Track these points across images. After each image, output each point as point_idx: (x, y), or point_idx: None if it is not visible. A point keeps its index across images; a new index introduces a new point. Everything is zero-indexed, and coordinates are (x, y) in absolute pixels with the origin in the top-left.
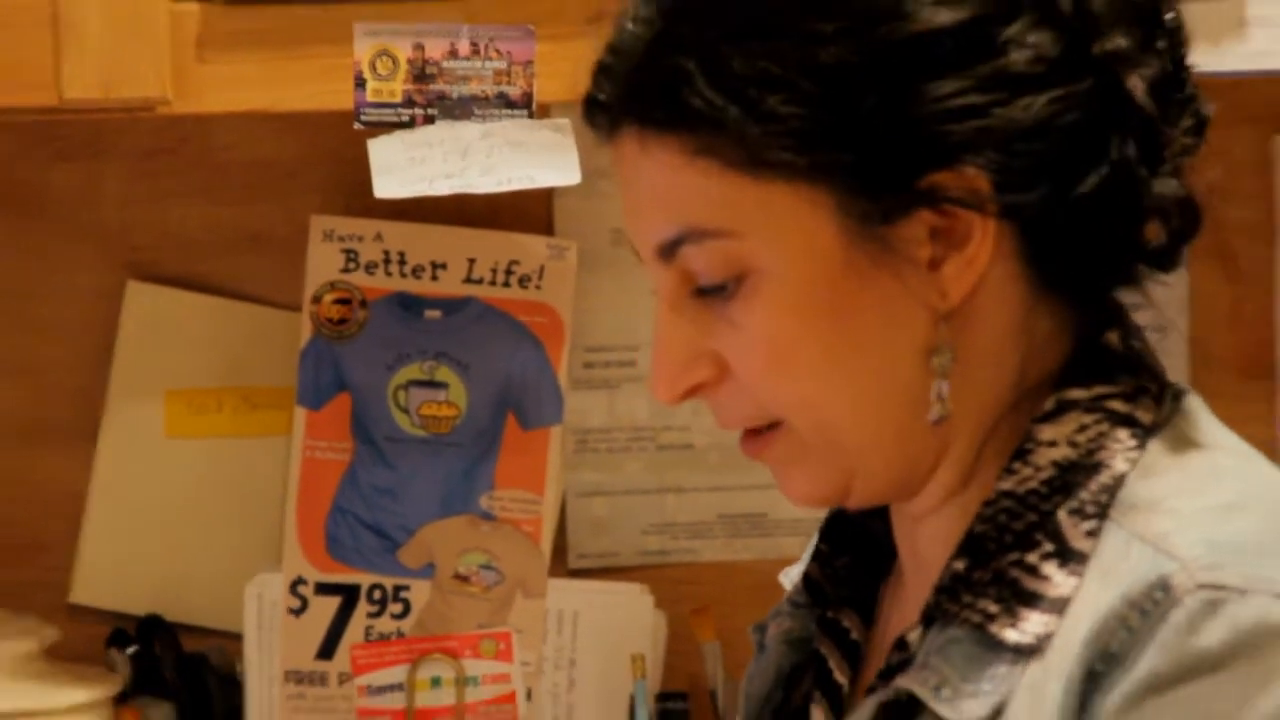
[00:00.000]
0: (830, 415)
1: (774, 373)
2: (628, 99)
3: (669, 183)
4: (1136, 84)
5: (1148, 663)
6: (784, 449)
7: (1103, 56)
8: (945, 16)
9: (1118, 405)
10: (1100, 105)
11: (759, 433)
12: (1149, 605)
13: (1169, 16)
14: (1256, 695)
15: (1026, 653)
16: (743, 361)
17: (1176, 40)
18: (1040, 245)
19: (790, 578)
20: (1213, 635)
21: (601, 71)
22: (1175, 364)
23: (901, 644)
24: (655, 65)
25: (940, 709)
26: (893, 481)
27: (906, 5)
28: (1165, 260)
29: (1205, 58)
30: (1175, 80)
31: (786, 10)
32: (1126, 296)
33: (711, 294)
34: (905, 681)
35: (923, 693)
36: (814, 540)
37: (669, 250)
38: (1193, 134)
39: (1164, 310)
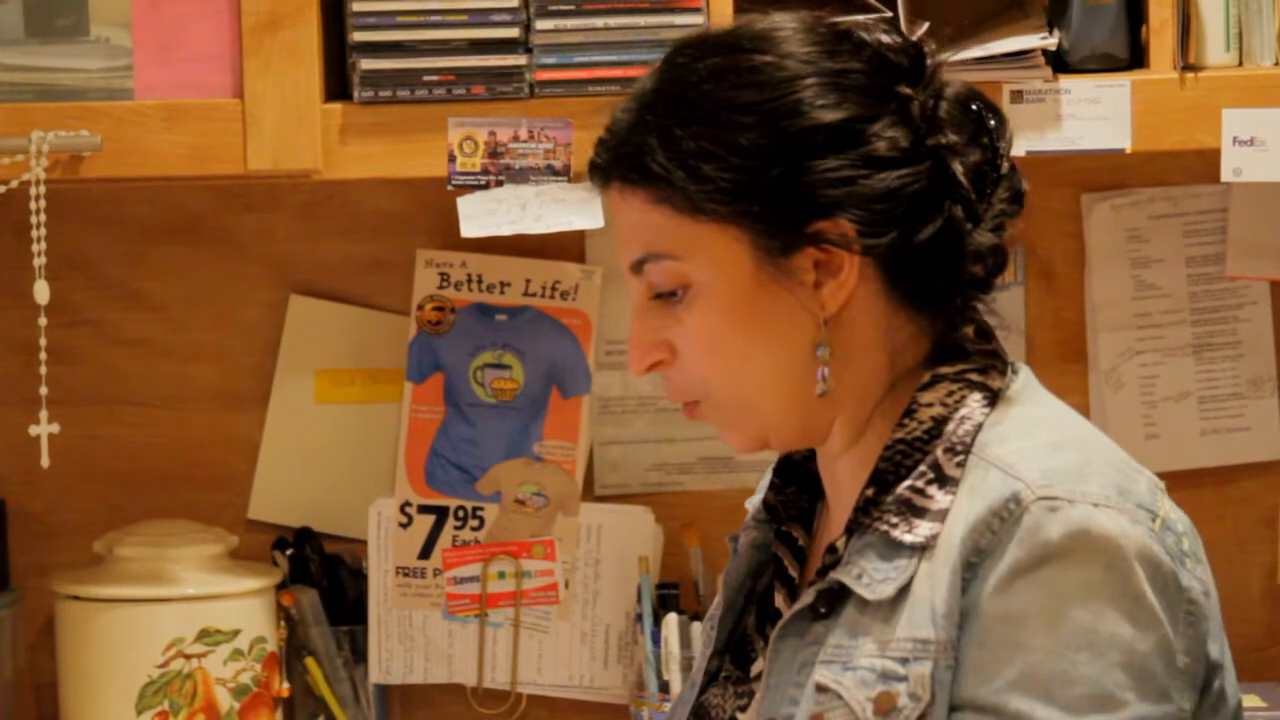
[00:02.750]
0: (745, 388)
1: (706, 356)
2: (614, 164)
3: (638, 221)
4: (959, 168)
5: (1010, 555)
6: (713, 414)
7: (937, 148)
8: (829, 116)
9: (974, 376)
10: (935, 180)
11: (691, 406)
12: (1005, 513)
13: (992, 122)
14: (1088, 573)
15: (920, 549)
16: (685, 347)
17: (997, 138)
18: (894, 274)
19: (752, 502)
20: (1053, 531)
21: (599, 144)
22: (1015, 353)
23: (832, 549)
24: (631, 141)
25: (861, 592)
26: (796, 435)
27: (802, 106)
28: (984, 287)
29: (1032, 143)
30: (993, 165)
31: (720, 107)
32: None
33: (665, 298)
34: (836, 574)
35: (848, 581)
36: (768, 476)
37: (638, 266)
38: (1011, 202)
39: (1006, 316)
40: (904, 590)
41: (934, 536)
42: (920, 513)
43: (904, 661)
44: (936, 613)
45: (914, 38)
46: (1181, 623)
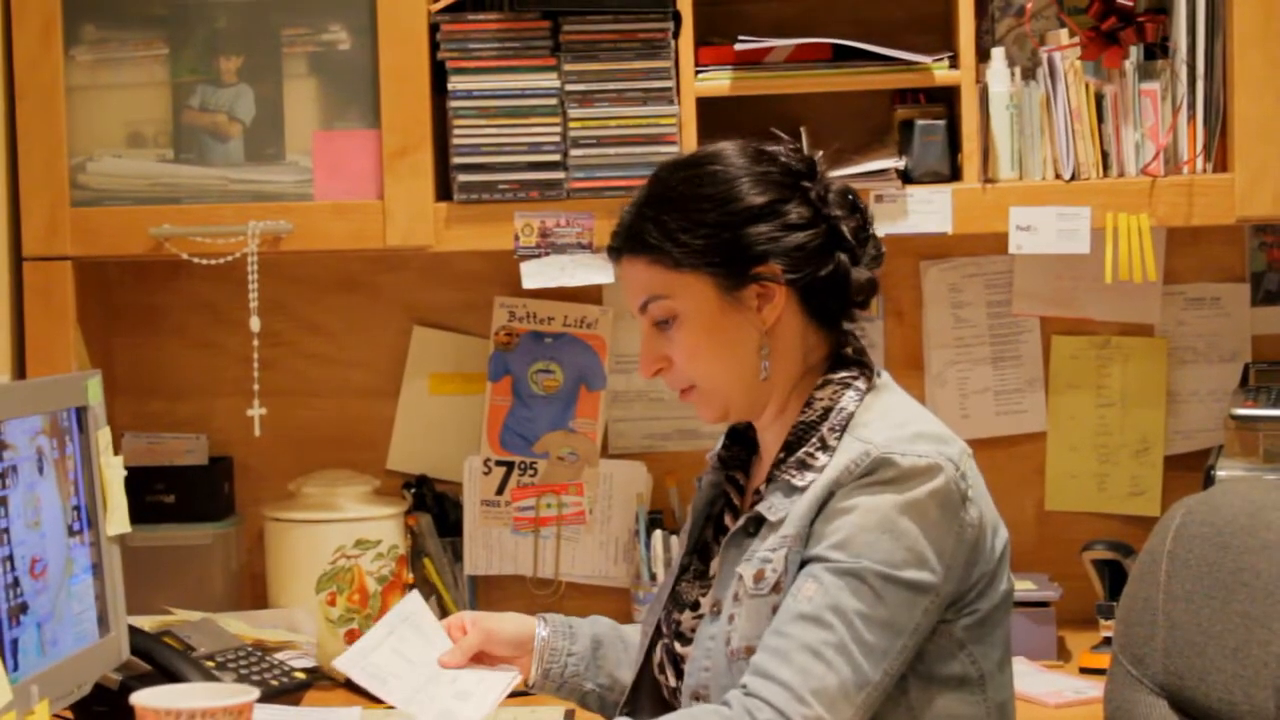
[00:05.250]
0: (715, 379)
1: (691, 360)
2: (625, 243)
3: (642, 276)
4: (845, 229)
5: (855, 480)
6: (695, 398)
7: (829, 216)
8: (759, 199)
9: (850, 380)
10: (829, 238)
11: (685, 392)
12: (858, 463)
13: (861, 205)
14: (902, 494)
15: (803, 490)
16: (678, 356)
17: (865, 215)
18: (806, 299)
19: (711, 455)
20: (889, 473)
21: (614, 234)
22: (878, 363)
23: (757, 492)
24: (635, 227)
25: (769, 516)
26: (746, 411)
27: (741, 194)
28: (862, 306)
29: (888, 227)
30: (864, 228)
31: (689, 199)
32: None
33: (661, 326)
34: (758, 508)
35: (764, 511)
36: (721, 440)
37: (644, 306)
38: (876, 255)
39: (873, 338)
40: (788, 514)
41: (812, 482)
42: (808, 468)
43: (774, 550)
44: (797, 519)
45: (812, 156)
46: (952, 537)
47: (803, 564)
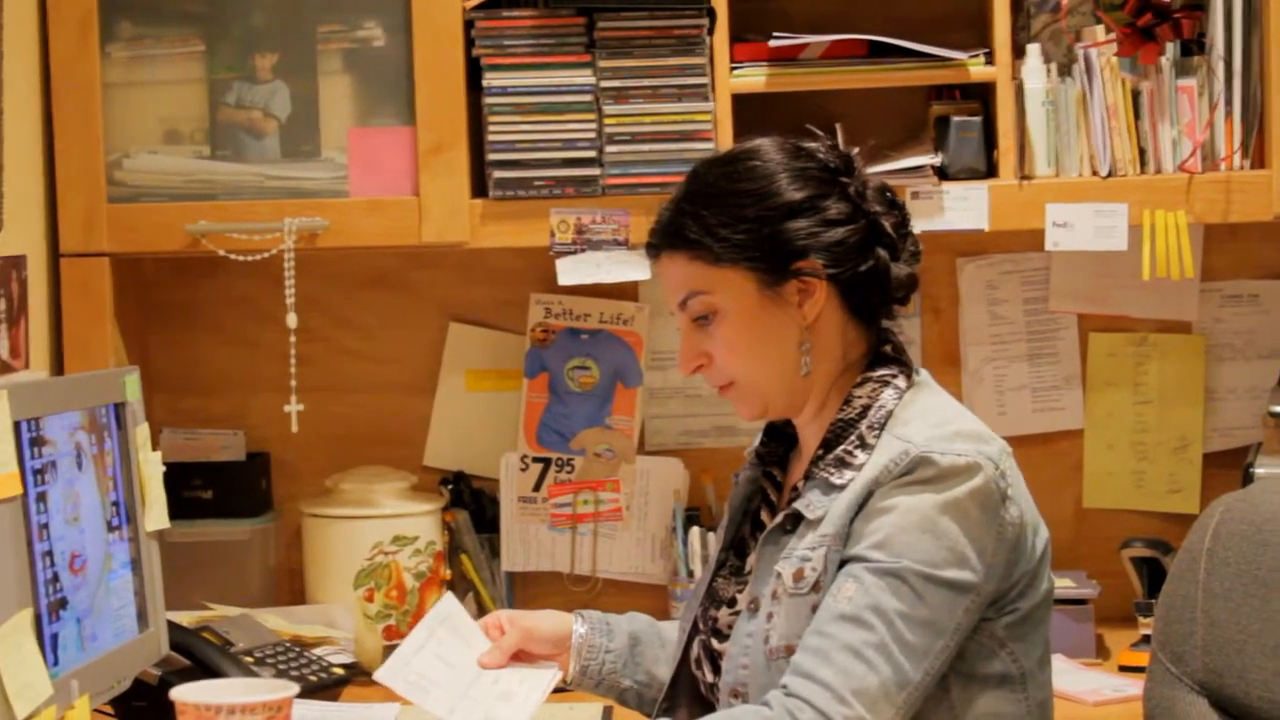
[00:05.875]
0: (756, 375)
1: (731, 356)
2: (664, 240)
3: (682, 272)
4: (884, 225)
5: (896, 479)
6: (734, 394)
7: (869, 212)
8: (799, 194)
9: (890, 378)
10: (868, 234)
11: (724, 388)
12: (898, 462)
13: (899, 201)
14: (942, 494)
15: (842, 488)
16: (717, 352)
17: (904, 212)
18: (847, 295)
19: (749, 451)
20: (928, 472)
21: (652, 231)
22: (916, 361)
23: (795, 489)
24: (675, 223)
25: (807, 514)
26: (785, 408)
27: (780, 187)
28: (902, 302)
29: (924, 225)
30: (904, 227)
31: (728, 194)
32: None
33: (701, 322)
34: (795, 505)
35: (801, 509)
36: (759, 437)
37: (683, 303)
38: (915, 252)
39: (909, 334)
40: (827, 512)
41: (851, 480)
42: (847, 466)
43: (813, 549)
44: (837, 519)
45: (849, 152)
46: (993, 536)
47: (842, 563)
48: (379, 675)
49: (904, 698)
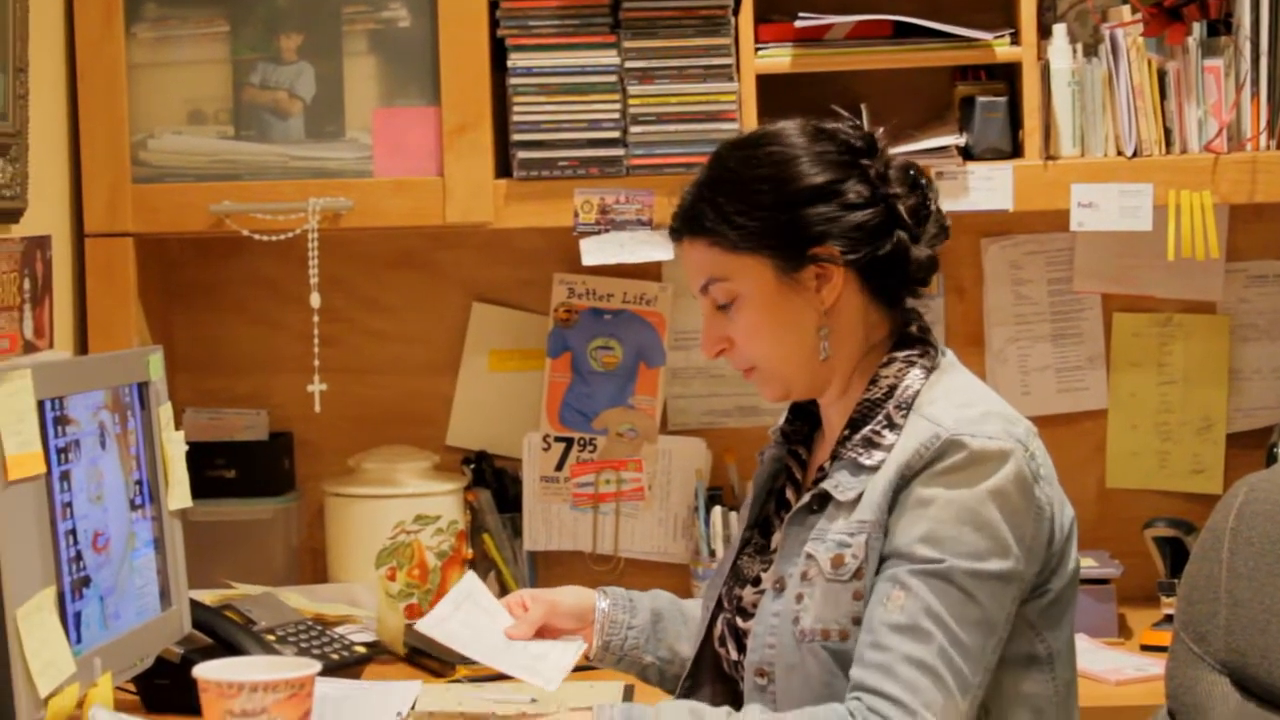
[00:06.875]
0: (776, 360)
1: (752, 341)
2: (684, 226)
3: (702, 259)
4: (902, 208)
5: (929, 468)
6: (756, 378)
7: (887, 195)
8: (818, 179)
9: (916, 358)
10: (887, 217)
11: (747, 372)
12: (929, 446)
13: (923, 181)
14: (977, 480)
15: (874, 470)
16: (738, 337)
17: (926, 191)
18: (866, 278)
19: (774, 430)
20: (958, 456)
21: (675, 215)
22: (939, 338)
23: (821, 468)
24: (694, 210)
25: (836, 495)
26: (807, 389)
27: (798, 173)
28: (923, 284)
29: (948, 205)
30: (924, 206)
31: (746, 181)
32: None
33: (723, 308)
34: (823, 485)
35: (829, 489)
36: (783, 416)
37: (704, 289)
38: (939, 232)
39: (934, 314)
40: (860, 495)
41: (882, 462)
42: (876, 446)
43: (852, 535)
44: (875, 505)
45: (872, 133)
46: (1032, 518)
47: (883, 559)
48: (420, 624)
49: (968, 702)
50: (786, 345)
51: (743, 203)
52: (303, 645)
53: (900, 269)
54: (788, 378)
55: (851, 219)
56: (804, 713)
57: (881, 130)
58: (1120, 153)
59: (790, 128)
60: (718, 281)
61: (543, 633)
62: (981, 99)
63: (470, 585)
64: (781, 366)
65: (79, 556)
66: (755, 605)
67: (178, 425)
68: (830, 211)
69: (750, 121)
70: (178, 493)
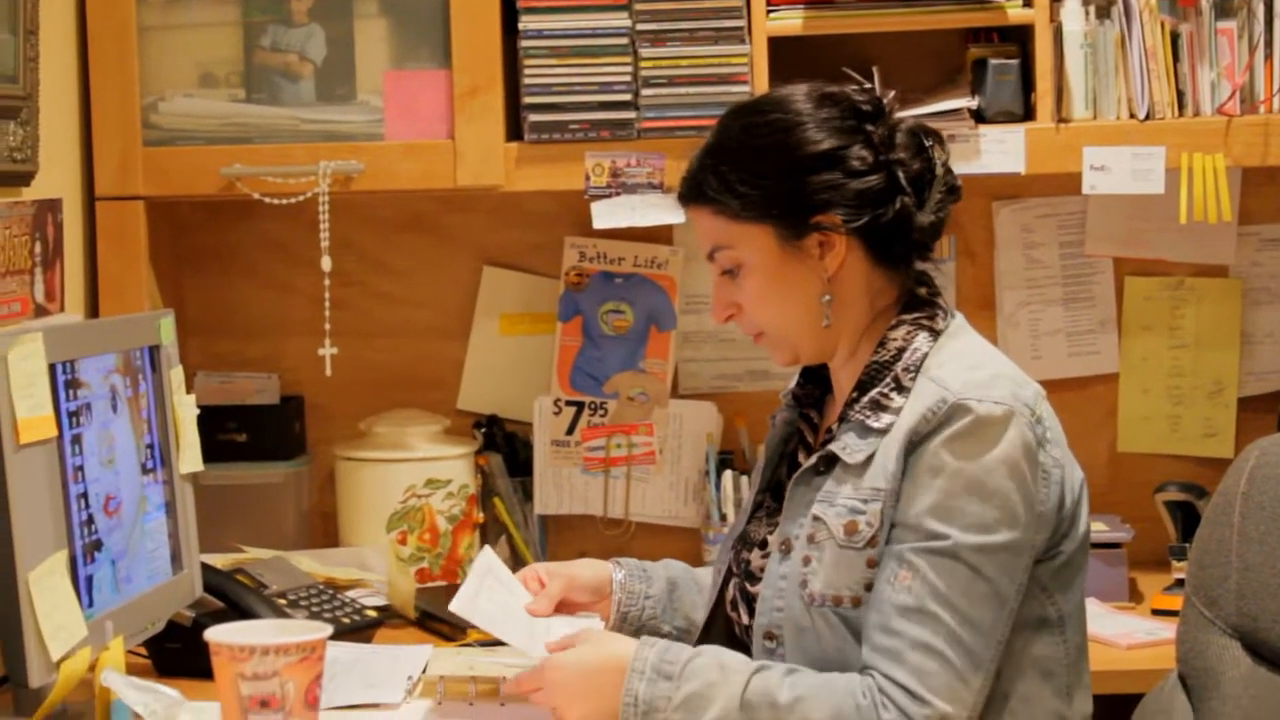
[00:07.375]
0: (782, 326)
1: (758, 307)
2: (689, 193)
3: (707, 226)
4: (902, 175)
5: (937, 433)
6: (765, 343)
7: (889, 162)
8: (821, 146)
9: (924, 321)
10: (890, 182)
11: (756, 337)
12: (937, 409)
13: (931, 143)
14: (984, 446)
15: (882, 433)
16: (746, 303)
17: (932, 155)
18: (869, 244)
19: (786, 393)
20: (964, 422)
21: (682, 179)
22: (950, 301)
23: (830, 430)
24: (697, 178)
25: (844, 458)
26: (813, 354)
27: (801, 141)
28: (928, 249)
29: (960, 168)
30: (930, 171)
31: (748, 149)
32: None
33: (730, 274)
34: (830, 447)
35: (837, 450)
36: (794, 380)
37: (711, 255)
38: (949, 194)
39: (944, 277)
40: (870, 458)
41: (891, 425)
42: (884, 409)
43: (865, 501)
44: (888, 471)
45: (881, 97)
46: (1039, 483)
47: (892, 525)
48: (454, 606)
49: (980, 679)
50: (791, 312)
51: (745, 171)
52: (314, 609)
53: (904, 235)
54: (795, 343)
55: (854, 186)
56: (824, 677)
57: (892, 94)
58: (1133, 115)
59: (796, 93)
60: (723, 249)
61: (561, 607)
62: (994, 61)
63: (488, 561)
64: (788, 332)
65: (90, 520)
66: (763, 570)
67: (189, 389)
68: (833, 179)
69: (762, 84)
70: (189, 456)
